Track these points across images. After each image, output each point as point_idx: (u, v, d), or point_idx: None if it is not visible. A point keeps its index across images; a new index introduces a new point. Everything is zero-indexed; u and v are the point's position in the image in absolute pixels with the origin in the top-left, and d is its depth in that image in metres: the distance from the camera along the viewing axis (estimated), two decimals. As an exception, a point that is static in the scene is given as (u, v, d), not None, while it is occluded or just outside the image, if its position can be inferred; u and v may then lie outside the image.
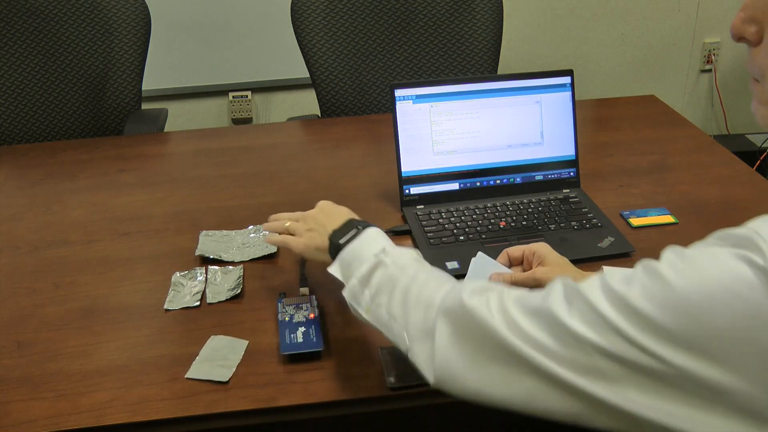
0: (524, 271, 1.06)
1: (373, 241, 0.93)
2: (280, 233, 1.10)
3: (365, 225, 0.97)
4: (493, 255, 1.20)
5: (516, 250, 1.08)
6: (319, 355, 1.00)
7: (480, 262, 1.08)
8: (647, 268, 0.62)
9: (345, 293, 0.91)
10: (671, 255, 0.62)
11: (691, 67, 3.02)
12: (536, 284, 1.01)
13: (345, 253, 0.94)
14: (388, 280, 0.86)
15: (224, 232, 1.29)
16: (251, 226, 1.31)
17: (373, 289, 0.87)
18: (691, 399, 0.58)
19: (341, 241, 0.96)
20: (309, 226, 1.05)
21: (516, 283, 1.03)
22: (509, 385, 0.69)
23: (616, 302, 0.61)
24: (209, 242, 1.26)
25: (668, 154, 1.57)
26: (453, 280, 0.83)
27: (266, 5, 2.61)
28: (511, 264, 1.09)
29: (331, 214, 1.04)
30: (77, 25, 1.86)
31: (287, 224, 1.09)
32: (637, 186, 1.44)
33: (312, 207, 1.36)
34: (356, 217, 1.04)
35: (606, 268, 1.00)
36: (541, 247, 1.05)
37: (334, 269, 0.96)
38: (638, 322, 0.59)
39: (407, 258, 0.89)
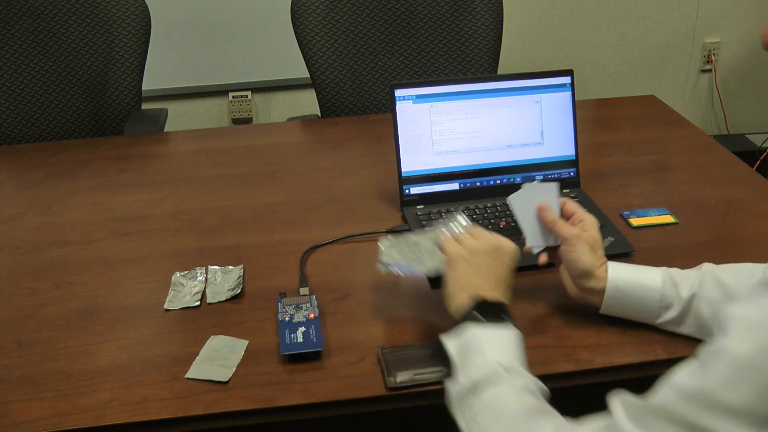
0: None
1: (506, 342, 0.87)
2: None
3: (510, 320, 0.91)
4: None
5: (572, 207, 1.06)
6: (319, 355, 1.00)
7: (536, 189, 1.07)
8: (716, 352, 0.56)
9: (451, 387, 0.87)
10: (736, 326, 0.56)
11: (691, 67, 3.02)
12: (568, 238, 1.01)
13: (473, 334, 0.88)
14: (497, 403, 0.81)
15: (406, 236, 1.10)
16: (428, 229, 1.11)
17: (482, 402, 0.82)
18: None
19: (481, 316, 0.89)
20: (473, 254, 0.96)
21: (555, 223, 1.03)
22: None
23: (697, 402, 0.55)
24: (394, 252, 1.08)
25: (668, 154, 1.57)
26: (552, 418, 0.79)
27: (266, 5, 2.61)
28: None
29: (496, 273, 0.95)
30: (77, 25, 1.86)
31: (458, 232, 1.01)
32: (637, 186, 1.44)
33: (311, 205, 1.37)
34: (507, 300, 0.95)
35: (612, 266, 1.01)
36: (590, 221, 1.04)
37: (451, 345, 0.89)
38: (730, 417, 0.53)
39: (524, 385, 0.83)
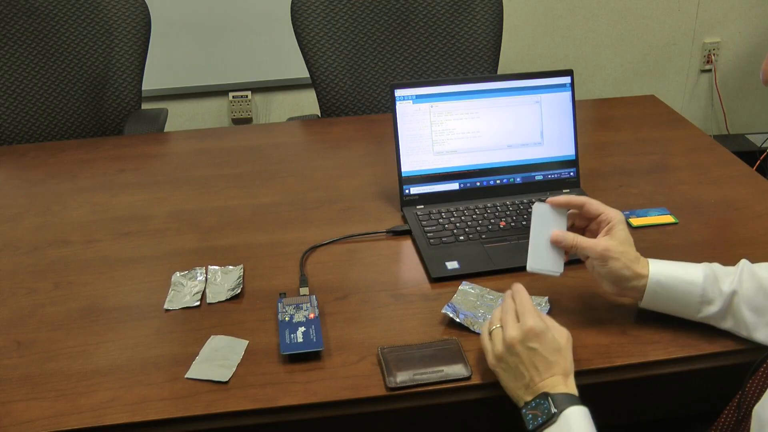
0: (587, 230, 1.04)
1: None
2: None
3: (567, 402, 0.85)
4: (495, 254, 1.21)
5: (595, 207, 1.02)
6: (319, 355, 1.00)
7: (540, 217, 1.04)
8: None
9: None
10: None
11: (691, 67, 3.02)
12: (597, 256, 0.99)
13: None
14: None
15: (484, 291, 1.12)
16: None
17: None
18: None
19: (536, 417, 0.86)
20: (500, 359, 0.91)
21: (576, 246, 1.01)
22: None
23: None
24: (465, 300, 1.10)
25: (668, 154, 1.57)
26: None
27: (266, 5, 2.61)
28: (573, 219, 1.05)
29: (547, 362, 0.89)
30: (77, 25, 1.86)
31: (493, 328, 0.94)
32: (637, 186, 1.44)
33: (311, 205, 1.37)
34: (561, 384, 0.88)
35: (653, 263, 0.99)
36: (617, 218, 1.01)
37: None
38: None
39: None
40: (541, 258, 1.04)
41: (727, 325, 1.00)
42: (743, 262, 1.01)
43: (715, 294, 0.99)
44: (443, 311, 1.06)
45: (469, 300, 1.10)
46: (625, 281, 1.00)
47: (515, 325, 0.91)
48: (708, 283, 0.99)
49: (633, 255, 1.00)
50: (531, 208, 1.31)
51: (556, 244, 1.03)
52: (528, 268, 1.04)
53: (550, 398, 0.86)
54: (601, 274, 1.02)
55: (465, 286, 1.12)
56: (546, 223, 1.04)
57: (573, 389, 0.88)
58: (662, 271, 1.00)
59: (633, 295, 1.02)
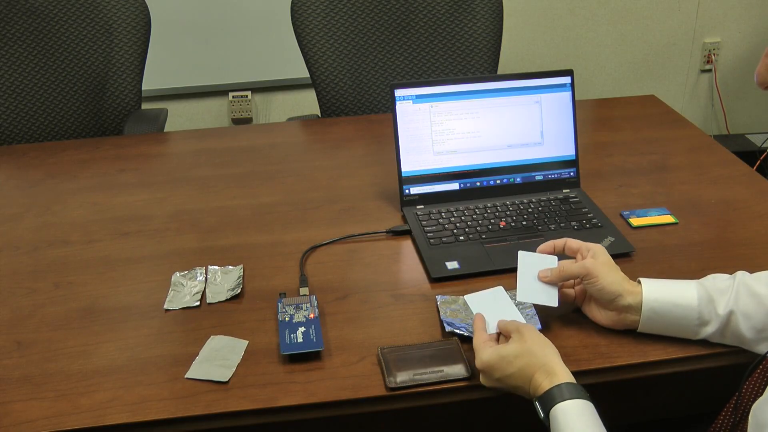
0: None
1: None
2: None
3: (551, 401, 0.86)
4: (495, 254, 1.21)
5: (575, 243, 1.06)
6: (319, 355, 1.00)
7: (526, 260, 1.08)
8: None
9: None
10: None
11: (691, 67, 3.02)
12: (585, 273, 1.01)
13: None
14: None
15: (460, 300, 1.11)
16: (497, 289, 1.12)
17: None
18: None
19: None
20: (491, 382, 0.93)
21: (565, 272, 1.03)
22: None
23: None
24: (451, 311, 1.08)
25: (668, 154, 1.57)
26: None
27: (266, 5, 2.61)
28: (557, 255, 1.09)
29: (520, 375, 0.90)
30: (77, 25, 1.86)
31: (483, 338, 0.96)
32: (637, 186, 1.44)
33: (311, 205, 1.38)
34: (557, 373, 0.89)
35: (646, 284, 1.00)
36: (598, 248, 1.04)
37: None
38: None
39: None
40: (534, 292, 1.05)
41: (727, 341, 1.00)
42: (739, 275, 1.00)
43: (711, 315, 0.98)
44: (447, 329, 1.04)
45: (452, 309, 1.08)
46: (619, 298, 0.99)
47: (478, 356, 0.93)
48: (703, 305, 0.98)
49: (621, 274, 1.02)
50: (530, 208, 1.32)
51: (544, 279, 1.05)
52: (520, 299, 1.06)
53: (536, 404, 0.88)
54: (593, 294, 1.02)
55: (439, 299, 1.11)
56: (534, 265, 1.07)
57: (560, 377, 0.88)
58: (656, 296, 0.99)
59: (631, 317, 1.01)
